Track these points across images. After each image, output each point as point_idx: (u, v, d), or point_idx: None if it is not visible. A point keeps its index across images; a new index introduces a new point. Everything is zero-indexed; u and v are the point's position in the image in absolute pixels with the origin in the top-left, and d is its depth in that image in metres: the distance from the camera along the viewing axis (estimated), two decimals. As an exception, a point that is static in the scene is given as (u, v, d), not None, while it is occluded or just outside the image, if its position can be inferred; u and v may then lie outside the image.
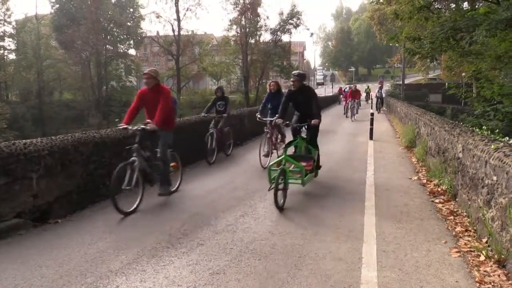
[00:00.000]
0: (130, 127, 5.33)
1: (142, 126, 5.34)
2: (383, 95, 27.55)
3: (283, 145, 7.11)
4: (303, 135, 6.54)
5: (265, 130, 7.90)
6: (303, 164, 5.73)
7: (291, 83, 6.47)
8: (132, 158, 5.09)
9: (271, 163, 5.63)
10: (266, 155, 7.81)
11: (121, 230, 4.49)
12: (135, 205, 5.10)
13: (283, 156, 5.48)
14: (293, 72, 6.70)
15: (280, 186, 5.12)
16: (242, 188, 6.33)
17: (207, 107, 9.18)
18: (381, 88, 28.04)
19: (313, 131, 6.43)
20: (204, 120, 9.11)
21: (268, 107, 8.16)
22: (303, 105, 6.45)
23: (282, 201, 5.13)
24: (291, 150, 6.35)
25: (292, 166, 5.66)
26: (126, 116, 5.39)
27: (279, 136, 8.29)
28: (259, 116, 7.98)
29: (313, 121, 6.11)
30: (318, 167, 6.70)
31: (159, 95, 5.43)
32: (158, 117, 5.29)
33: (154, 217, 4.91)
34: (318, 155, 6.61)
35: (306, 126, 6.43)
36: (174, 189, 6.03)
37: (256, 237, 4.18)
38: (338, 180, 6.83)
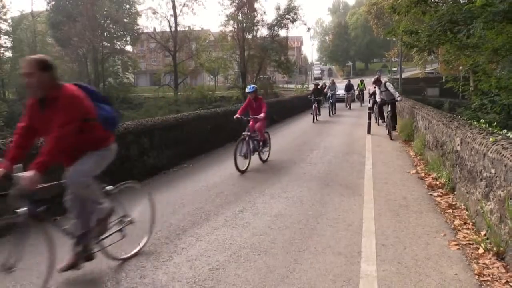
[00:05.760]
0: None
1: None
2: (398, 98, 11.27)
3: None
4: None
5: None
6: None
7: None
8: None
9: None
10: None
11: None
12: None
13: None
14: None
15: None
16: (238, 184, 6.33)
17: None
18: (377, 84, 12.16)
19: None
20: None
21: None
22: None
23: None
24: None
25: None
26: None
27: None
28: None
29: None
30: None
31: None
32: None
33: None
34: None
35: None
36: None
37: (255, 232, 4.19)
38: (336, 174, 6.84)
